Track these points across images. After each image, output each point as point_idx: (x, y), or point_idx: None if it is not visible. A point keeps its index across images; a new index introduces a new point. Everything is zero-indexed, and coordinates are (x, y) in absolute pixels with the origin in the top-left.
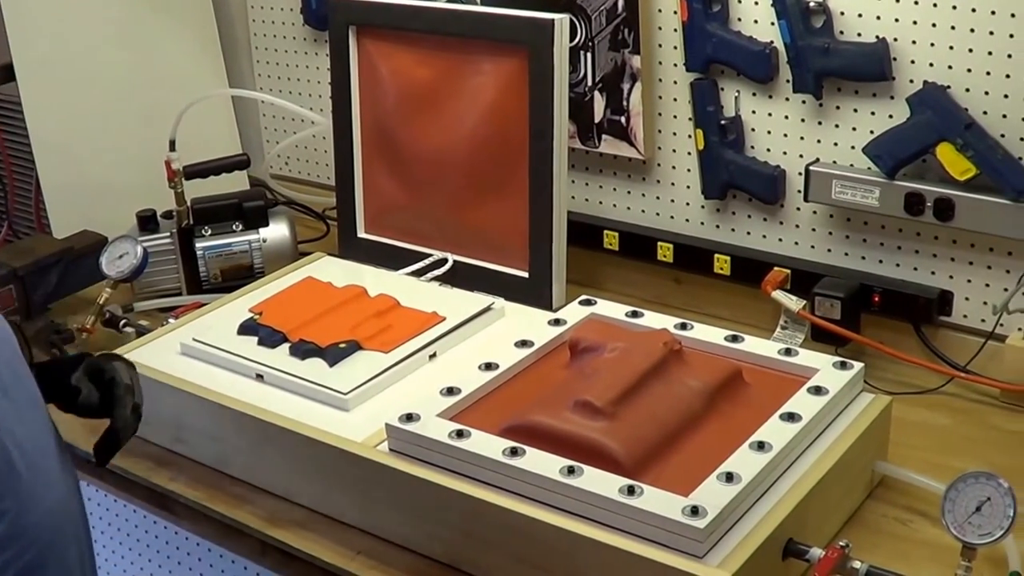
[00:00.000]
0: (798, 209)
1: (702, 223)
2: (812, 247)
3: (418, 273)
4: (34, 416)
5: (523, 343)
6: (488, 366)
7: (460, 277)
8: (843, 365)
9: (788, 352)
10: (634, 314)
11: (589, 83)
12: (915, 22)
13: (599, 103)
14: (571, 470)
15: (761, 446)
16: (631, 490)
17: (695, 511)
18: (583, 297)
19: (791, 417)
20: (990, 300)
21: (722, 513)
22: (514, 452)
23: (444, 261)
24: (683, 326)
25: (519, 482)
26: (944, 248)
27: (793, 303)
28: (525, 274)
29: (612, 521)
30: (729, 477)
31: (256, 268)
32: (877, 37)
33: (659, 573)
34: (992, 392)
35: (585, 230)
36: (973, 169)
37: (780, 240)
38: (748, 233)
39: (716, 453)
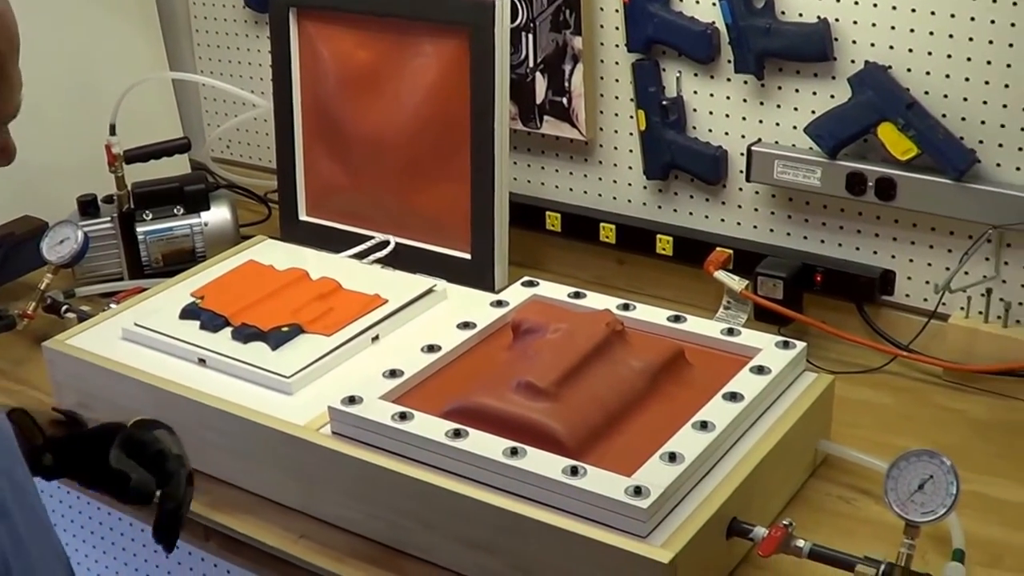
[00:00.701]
0: (740, 189)
1: (644, 204)
2: (754, 227)
3: (360, 256)
4: (40, 540)
5: (465, 325)
6: (431, 348)
7: (402, 259)
8: (786, 345)
9: (730, 332)
10: (576, 295)
11: (531, 64)
12: (856, 2)
13: (541, 84)
14: (514, 451)
15: (704, 426)
16: (574, 471)
17: (638, 491)
18: (525, 278)
19: (733, 397)
20: (932, 279)
21: (665, 493)
22: (457, 434)
23: (386, 243)
24: (625, 307)
25: (462, 464)
26: (886, 228)
27: (736, 283)
28: (467, 256)
29: (555, 502)
30: (672, 457)
31: (198, 252)
32: (818, 17)
33: (603, 553)
34: (935, 371)
35: (527, 211)
36: (915, 149)
37: (723, 220)
38: (691, 214)
39: (659, 433)
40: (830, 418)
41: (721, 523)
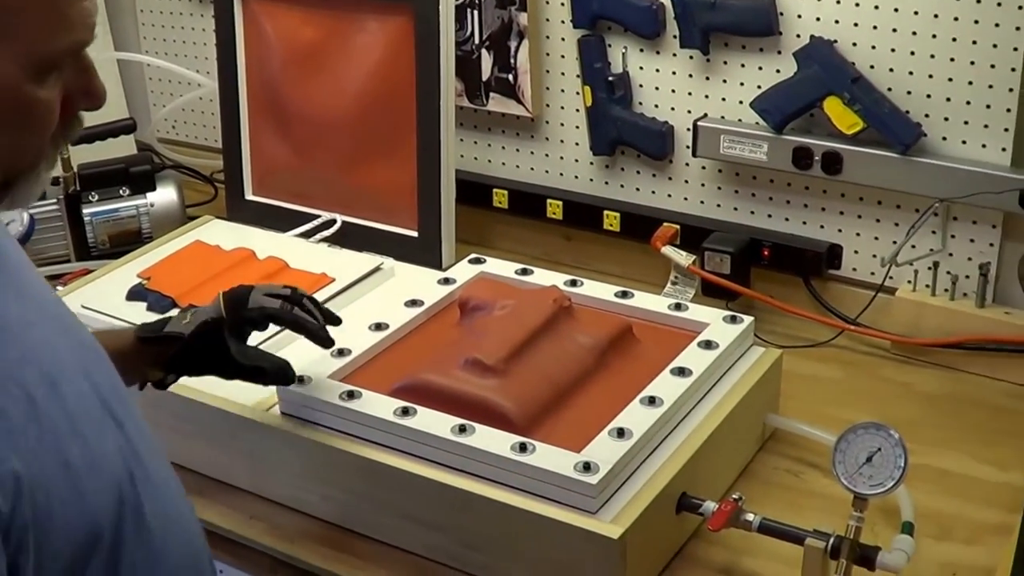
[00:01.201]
0: (687, 165)
1: (591, 180)
2: (701, 202)
3: (307, 234)
4: (153, 453)
5: (413, 302)
6: (378, 326)
7: (349, 238)
8: (733, 319)
9: (678, 307)
10: (524, 271)
11: (476, 41)
12: None
13: (486, 61)
14: (463, 429)
15: (652, 401)
16: (523, 447)
17: (587, 467)
18: (472, 256)
19: (681, 372)
20: (879, 253)
21: (614, 468)
22: (405, 412)
23: (333, 222)
24: (573, 283)
25: (411, 442)
26: (833, 202)
27: (683, 258)
28: (414, 233)
29: (505, 479)
30: (620, 432)
31: (144, 233)
32: None
33: (552, 529)
34: (882, 344)
35: (474, 188)
36: (860, 123)
37: (669, 196)
38: (637, 189)
39: (607, 409)
40: (778, 392)
41: (670, 498)
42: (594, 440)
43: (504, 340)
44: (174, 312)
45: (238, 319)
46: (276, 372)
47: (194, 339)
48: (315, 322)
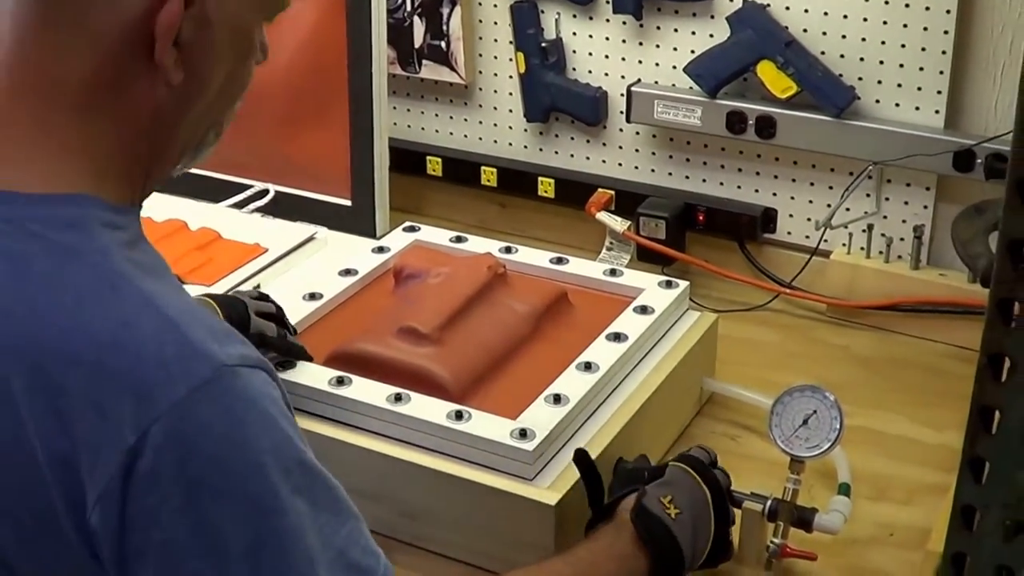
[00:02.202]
0: (621, 130)
1: (525, 146)
2: (636, 168)
3: (239, 205)
4: None
5: (347, 272)
6: (312, 296)
7: (282, 208)
8: (669, 284)
9: (613, 273)
10: (458, 239)
11: (408, 8)
12: None
13: (419, 28)
14: (398, 397)
15: (588, 367)
16: (459, 415)
17: (523, 434)
18: (407, 224)
19: (617, 337)
20: (814, 216)
21: (551, 434)
22: (340, 381)
23: (265, 192)
24: (508, 250)
25: (347, 411)
26: (767, 166)
27: (618, 224)
28: (348, 203)
29: (441, 447)
30: (556, 399)
31: None
32: None
33: (490, 496)
34: (817, 307)
35: (408, 156)
36: (794, 87)
37: (604, 161)
38: (571, 155)
39: (543, 375)
40: (714, 356)
41: (607, 464)
42: (530, 407)
43: (439, 308)
44: None
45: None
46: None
47: None
48: (302, 351)
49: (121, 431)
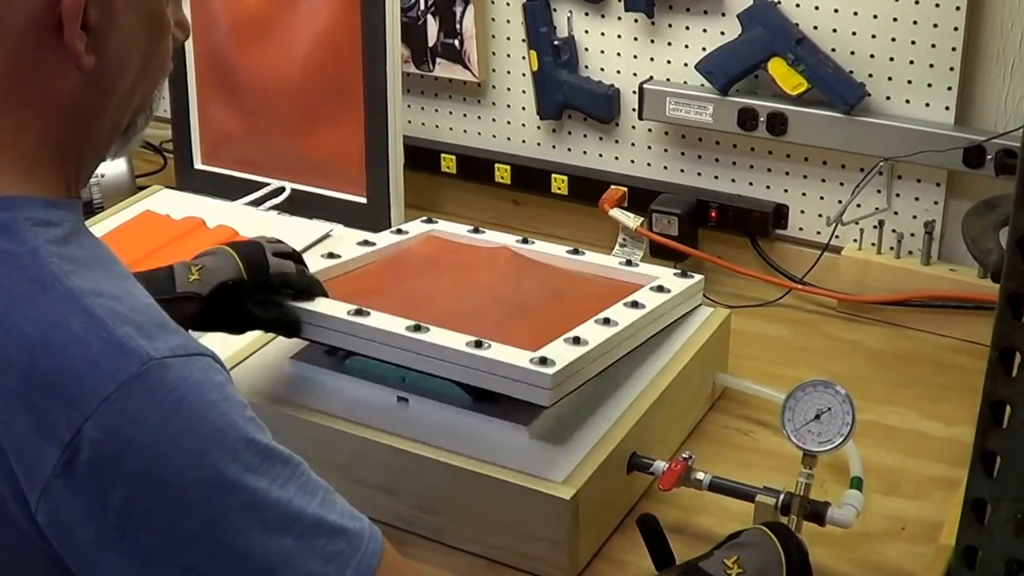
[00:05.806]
0: (633, 127)
1: (539, 144)
2: (648, 165)
3: (256, 203)
4: None
5: (365, 242)
6: (330, 255)
7: (298, 205)
8: (684, 275)
9: (629, 263)
10: (475, 231)
11: (422, 7)
12: None
13: (432, 26)
14: (418, 327)
15: (607, 321)
16: (479, 343)
17: (543, 361)
18: (424, 218)
19: (635, 304)
20: (825, 212)
21: (570, 366)
22: (359, 312)
23: (282, 190)
24: (524, 241)
25: (366, 341)
26: (778, 162)
27: (631, 220)
28: (363, 200)
29: (459, 376)
30: (576, 340)
31: (95, 204)
32: None
33: (505, 491)
34: (829, 302)
35: (422, 154)
36: (805, 83)
37: (616, 159)
38: (584, 152)
39: (562, 326)
40: (727, 351)
41: (621, 458)
42: (550, 344)
43: (455, 292)
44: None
45: (260, 283)
46: (293, 321)
47: (212, 299)
48: (320, 286)
49: (56, 430)
